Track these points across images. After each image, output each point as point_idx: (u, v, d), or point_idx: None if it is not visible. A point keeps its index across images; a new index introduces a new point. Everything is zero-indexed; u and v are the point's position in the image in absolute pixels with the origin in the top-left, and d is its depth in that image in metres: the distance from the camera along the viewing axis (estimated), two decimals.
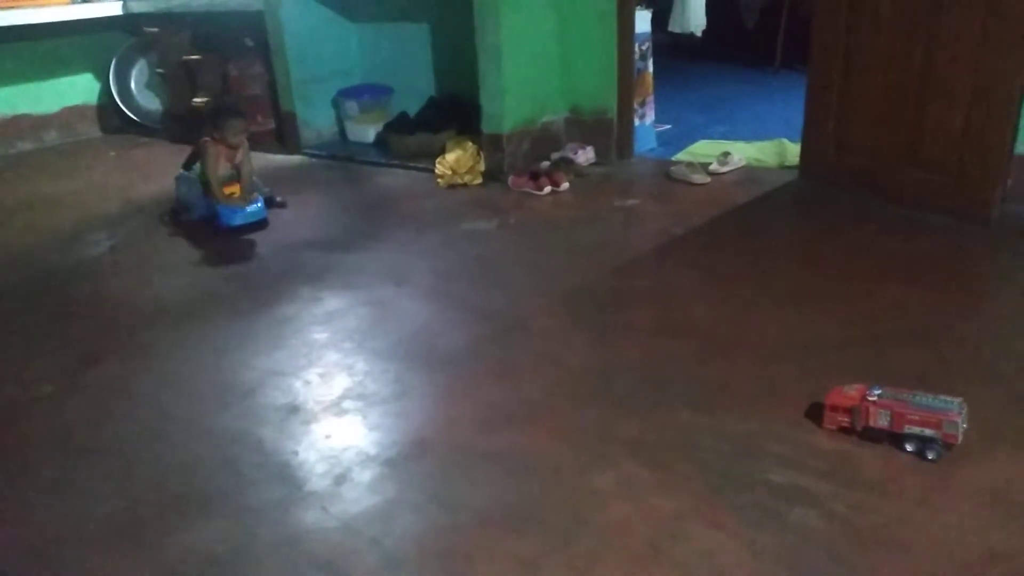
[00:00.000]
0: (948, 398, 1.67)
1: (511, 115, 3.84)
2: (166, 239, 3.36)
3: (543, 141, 4.02)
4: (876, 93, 3.08)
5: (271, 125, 4.83)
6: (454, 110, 4.37)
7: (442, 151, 4.03)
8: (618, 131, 4.05)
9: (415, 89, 4.60)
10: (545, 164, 3.91)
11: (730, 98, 5.52)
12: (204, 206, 3.43)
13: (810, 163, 3.47)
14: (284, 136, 4.74)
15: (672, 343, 2.23)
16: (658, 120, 4.48)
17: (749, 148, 4.06)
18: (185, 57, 4.87)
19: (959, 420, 1.62)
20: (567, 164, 3.89)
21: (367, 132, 4.64)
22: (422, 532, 1.57)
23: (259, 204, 3.39)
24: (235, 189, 3.39)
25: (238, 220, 3.30)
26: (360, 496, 1.68)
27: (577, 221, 3.34)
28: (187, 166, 3.54)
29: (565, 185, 3.70)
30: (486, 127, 3.88)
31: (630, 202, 3.53)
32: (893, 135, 3.05)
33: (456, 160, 3.94)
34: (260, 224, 3.35)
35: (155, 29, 5.03)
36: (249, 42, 4.72)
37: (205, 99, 4.51)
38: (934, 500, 1.53)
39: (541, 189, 3.66)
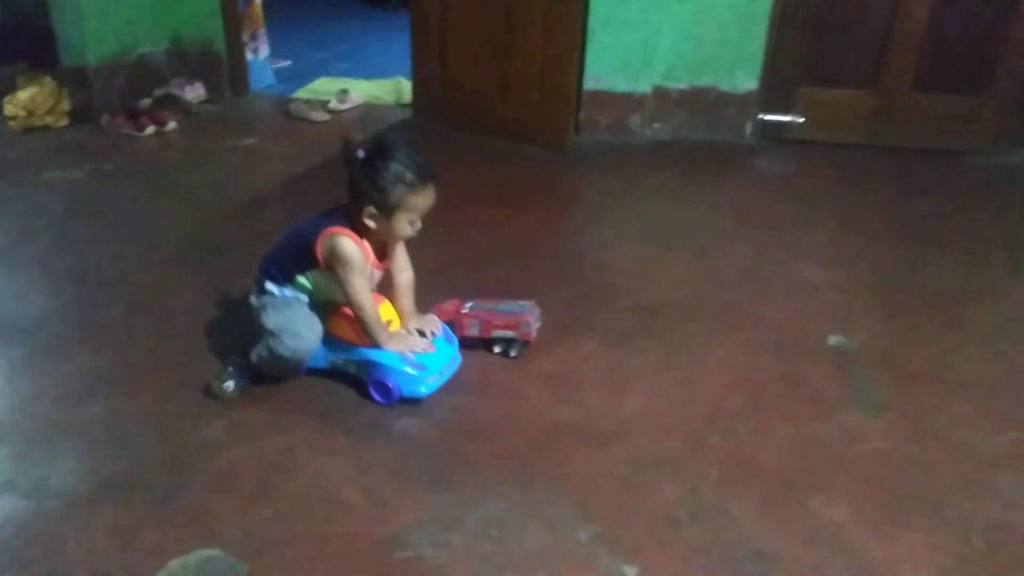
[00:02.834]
0: (523, 302, 1.91)
1: (96, 45, 3.37)
2: None
3: (142, 76, 3.62)
4: (471, 32, 3.32)
5: None
6: (24, 38, 3.69)
7: (12, 88, 3.40)
8: (229, 66, 3.81)
9: None
10: (146, 102, 3.54)
11: (351, 35, 5.51)
12: (329, 353, 1.75)
13: (421, 100, 3.64)
14: None
15: None
16: (275, 55, 4.30)
17: (368, 86, 4.12)
18: None
19: (532, 320, 1.87)
20: (173, 101, 3.57)
21: None
22: None
23: (444, 335, 1.79)
24: (388, 313, 1.75)
25: (429, 384, 1.68)
26: None
27: (187, 163, 3.10)
28: (273, 278, 1.71)
29: (171, 124, 3.40)
30: (66, 59, 3.37)
31: (246, 141, 3.36)
32: (488, 72, 3.33)
33: (31, 99, 3.36)
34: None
35: None
36: None
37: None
38: (515, 390, 1.76)
39: (143, 129, 3.31)
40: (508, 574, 1.28)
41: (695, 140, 3.42)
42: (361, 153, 1.59)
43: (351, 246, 1.61)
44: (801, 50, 3.30)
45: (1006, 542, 1.37)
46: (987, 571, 1.32)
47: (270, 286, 1.71)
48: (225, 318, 2.01)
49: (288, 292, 1.71)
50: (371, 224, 1.61)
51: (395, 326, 1.75)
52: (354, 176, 1.60)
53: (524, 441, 1.61)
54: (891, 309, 2.15)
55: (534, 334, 1.88)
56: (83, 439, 1.58)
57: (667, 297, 2.18)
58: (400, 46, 5.08)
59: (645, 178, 3.07)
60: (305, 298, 1.72)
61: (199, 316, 2.03)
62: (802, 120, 3.39)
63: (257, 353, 1.71)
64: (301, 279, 1.70)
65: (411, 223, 1.63)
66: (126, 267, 2.26)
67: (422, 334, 1.75)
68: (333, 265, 1.63)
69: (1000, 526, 1.40)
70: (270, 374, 1.73)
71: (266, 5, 4.07)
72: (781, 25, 3.24)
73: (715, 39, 3.26)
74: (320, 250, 1.63)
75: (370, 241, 1.65)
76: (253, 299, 1.75)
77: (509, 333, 1.85)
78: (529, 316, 1.87)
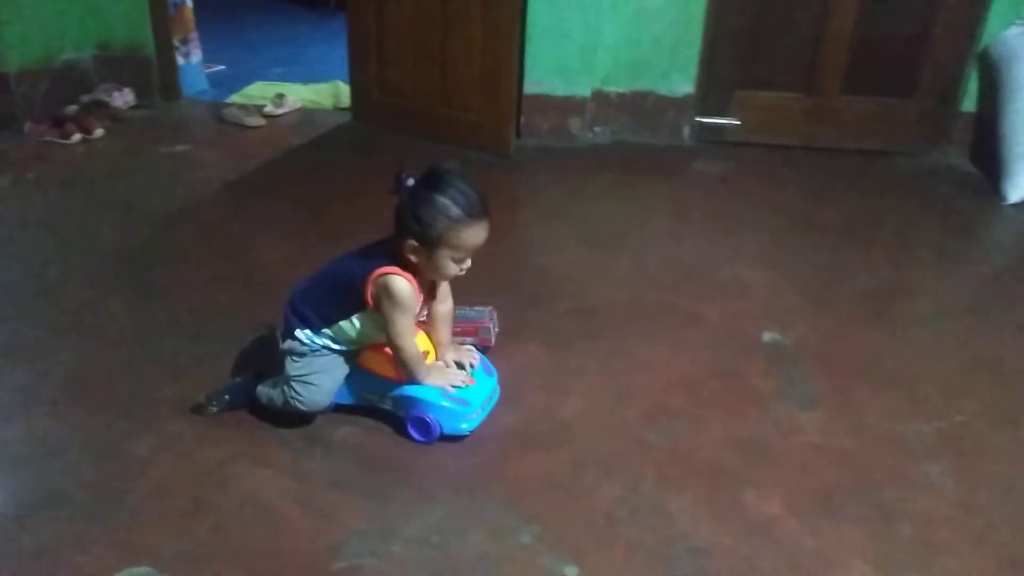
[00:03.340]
0: (480, 308, 1.89)
1: (17, 50, 3.24)
2: None
3: (67, 82, 3.49)
4: (408, 36, 3.29)
5: None
6: None
7: None
8: (160, 71, 3.71)
9: None
10: (72, 108, 3.41)
11: (288, 39, 5.43)
12: (363, 389, 1.65)
13: (359, 105, 3.60)
14: None
15: (225, 293, 2.15)
16: (208, 60, 4.20)
17: (305, 90, 4.05)
18: None
19: (491, 326, 1.86)
20: (101, 108, 3.45)
21: None
22: None
23: (483, 367, 1.70)
24: (423, 343, 1.64)
25: (471, 420, 1.60)
26: None
27: (116, 171, 3.00)
28: (307, 322, 1.59)
29: (99, 131, 3.28)
30: None
31: (179, 148, 3.27)
32: (426, 77, 3.31)
33: None
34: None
35: None
36: None
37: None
38: None
39: (68, 137, 3.19)
40: None
41: (635, 143, 3.46)
42: (411, 181, 1.48)
43: (405, 286, 1.48)
44: (735, 54, 3.37)
45: (933, 529, 1.42)
46: (914, 558, 1.36)
47: (300, 333, 1.58)
48: (154, 333, 1.95)
49: (320, 340, 1.58)
50: (412, 258, 1.49)
51: (431, 358, 1.64)
52: (400, 205, 1.49)
53: (465, 447, 1.60)
54: (823, 306, 2.21)
55: (493, 340, 1.86)
56: (6, 458, 1.52)
57: (607, 299, 2.20)
58: (338, 50, 5.00)
59: (586, 181, 3.10)
60: (337, 346, 1.60)
61: (127, 331, 1.96)
62: (738, 123, 3.47)
63: (268, 395, 1.63)
64: (344, 323, 1.56)
65: (457, 261, 1.49)
66: (50, 281, 2.18)
67: (460, 366, 1.66)
68: (382, 304, 1.50)
69: (927, 514, 1.45)
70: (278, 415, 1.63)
71: (198, 9, 3.96)
72: (715, 30, 3.31)
73: (652, 43, 3.30)
74: (371, 292, 1.50)
75: (419, 280, 1.53)
76: (279, 342, 1.62)
77: (468, 340, 1.82)
78: (488, 322, 1.86)
